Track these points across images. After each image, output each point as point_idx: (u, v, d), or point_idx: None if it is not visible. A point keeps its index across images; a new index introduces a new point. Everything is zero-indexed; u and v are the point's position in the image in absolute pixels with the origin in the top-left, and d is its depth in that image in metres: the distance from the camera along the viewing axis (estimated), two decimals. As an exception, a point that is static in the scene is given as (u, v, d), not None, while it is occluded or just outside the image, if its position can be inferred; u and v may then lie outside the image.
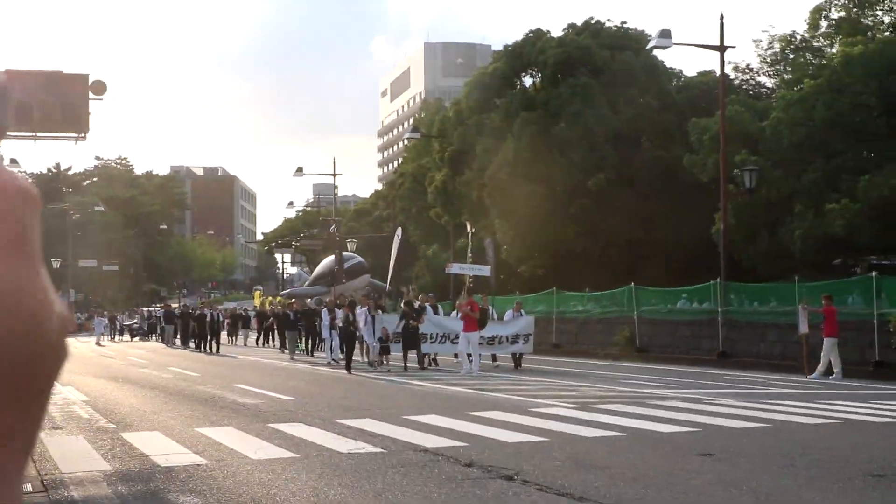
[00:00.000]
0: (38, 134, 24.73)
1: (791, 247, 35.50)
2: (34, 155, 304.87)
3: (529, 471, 9.91)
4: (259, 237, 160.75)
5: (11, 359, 0.61)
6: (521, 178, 46.76)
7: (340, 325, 28.47)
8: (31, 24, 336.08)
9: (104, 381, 24.30)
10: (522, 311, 30.67)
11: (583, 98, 46.93)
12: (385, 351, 27.84)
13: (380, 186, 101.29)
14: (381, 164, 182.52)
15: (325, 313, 32.10)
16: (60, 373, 0.68)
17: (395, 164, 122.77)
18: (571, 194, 46.25)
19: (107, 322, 61.90)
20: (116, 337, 63.47)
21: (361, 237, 70.60)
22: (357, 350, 29.27)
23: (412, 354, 27.43)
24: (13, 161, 79.29)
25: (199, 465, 10.71)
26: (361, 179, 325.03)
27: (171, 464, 10.79)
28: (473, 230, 48.56)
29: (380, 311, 29.55)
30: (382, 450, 11.48)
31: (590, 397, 17.90)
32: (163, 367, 30.46)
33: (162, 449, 11.94)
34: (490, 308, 29.60)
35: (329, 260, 60.12)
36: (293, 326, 36.31)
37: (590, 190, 45.45)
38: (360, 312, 28.02)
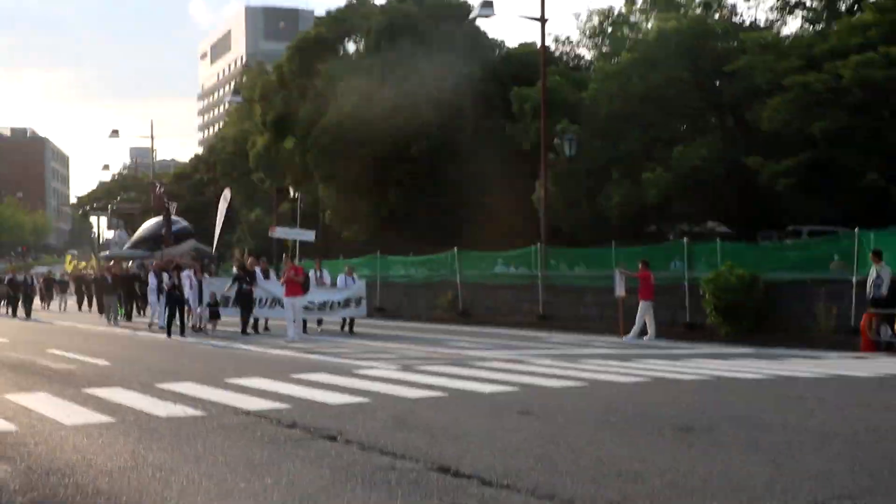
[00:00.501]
0: None
1: (608, 214, 36.64)
2: None
3: (352, 431, 9.94)
4: (73, 201, 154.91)
5: None
6: (346, 144, 46.62)
7: (167, 289, 27.78)
8: None
9: None
10: (354, 275, 30.53)
11: (407, 65, 47.01)
12: (214, 315, 27.29)
13: (200, 150, 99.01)
14: (202, 128, 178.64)
15: (151, 277, 31.33)
16: None
17: (217, 127, 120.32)
18: (396, 160, 46.37)
19: None
20: None
21: (182, 201, 68.95)
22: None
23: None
24: None
25: (7, 431, 10.29)
26: (181, 143, 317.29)
27: (-22, 432, 10.33)
28: (297, 195, 48.15)
29: (206, 275, 29.00)
30: (203, 413, 11.30)
31: (412, 359, 18.08)
32: (-32, 334, 29.10)
33: (-34, 417, 11.41)
34: (324, 272, 29.42)
35: (151, 223, 58.21)
36: (111, 291, 35.19)
37: (413, 156, 45.67)
38: (185, 276, 27.42)
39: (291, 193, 52.87)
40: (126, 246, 65.05)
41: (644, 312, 24.21)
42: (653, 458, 8.43)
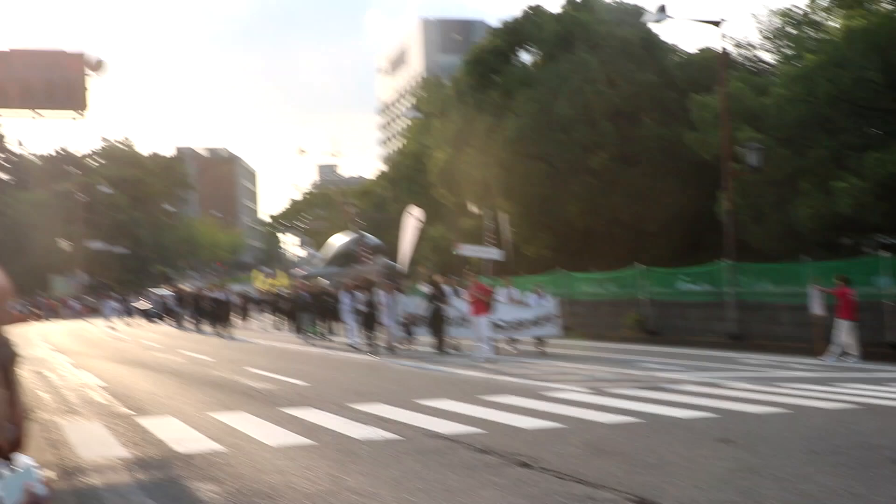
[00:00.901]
0: (39, 111, 24.76)
1: (798, 226, 35.36)
2: (40, 136, 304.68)
3: (547, 458, 9.88)
4: (260, 216, 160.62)
5: None
6: (523, 157, 46.55)
7: (361, 308, 27.84)
8: (33, 2, 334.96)
9: (119, 365, 24.33)
10: (546, 293, 29.48)
11: (583, 75, 46.61)
12: (409, 334, 27.09)
13: (382, 165, 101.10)
14: (383, 143, 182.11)
15: (344, 295, 31.33)
16: None
17: (397, 142, 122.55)
18: (573, 172, 46.08)
19: (115, 305, 61.68)
20: (129, 319, 62.90)
21: (366, 218, 70.47)
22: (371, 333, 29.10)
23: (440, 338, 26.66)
24: (20, 143, 79.23)
25: (216, 451, 10.71)
26: (363, 157, 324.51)
27: (188, 450, 10.78)
28: (479, 210, 48.33)
29: (398, 293, 28.79)
30: (398, 436, 11.46)
31: (603, 381, 17.87)
32: (175, 350, 30.49)
33: (178, 435, 11.94)
34: (514, 290, 28.82)
35: (344, 240, 58.80)
36: (308, 309, 35.46)
37: (592, 168, 45.25)
38: (380, 295, 27.46)
39: (471, 208, 53.17)
40: (318, 263, 66.00)
41: (844, 332, 22.96)
42: (868, 493, 8.04)
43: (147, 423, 13.16)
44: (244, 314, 52.01)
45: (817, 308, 23.87)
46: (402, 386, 17.61)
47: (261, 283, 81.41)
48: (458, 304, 26.96)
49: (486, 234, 37.49)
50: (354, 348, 29.10)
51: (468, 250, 35.41)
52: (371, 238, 53.50)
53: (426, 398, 15.03)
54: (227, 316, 41.24)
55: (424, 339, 27.78)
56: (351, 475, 9.23)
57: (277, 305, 48.83)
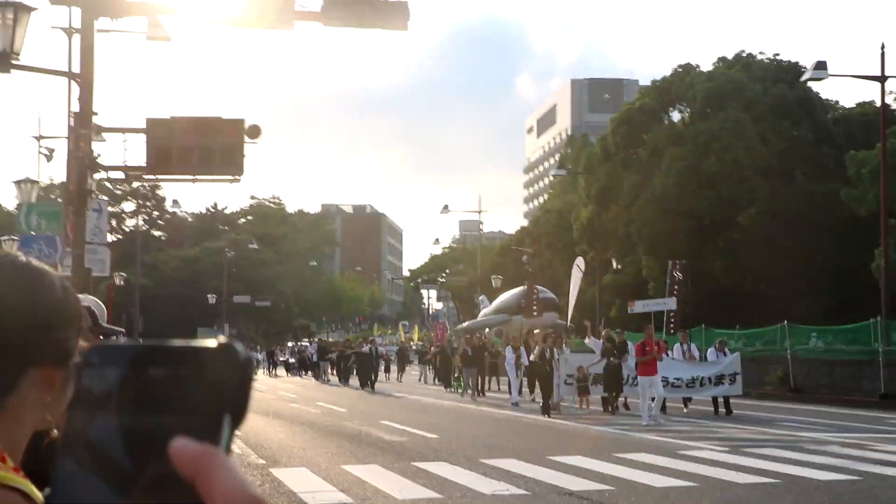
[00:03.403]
0: (198, 177, 25.58)
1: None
2: (193, 195, 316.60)
3: (678, 518, 9.59)
4: (405, 273, 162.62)
5: None
6: (669, 213, 46.08)
7: (534, 360, 26.02)
8: (194, 73, 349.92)
9: (255, 416, 24.75)
10: (727, 349, 27.25)
11: (733, 132, 46.03)
12: (584, 391, 25.31)
13: (525, 223, 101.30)
14: (527, 200, 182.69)
15: (509, 350, 30.06)
16: None
17: (541, 200, 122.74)
18: (720, 228, 45.29)
19: (257, 356, 62.96)
20: (273, 371, 63.96)
21: (507, 273, 70.55)
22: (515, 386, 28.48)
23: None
24: (175, 202, 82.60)
25: (344, 503, 10.74)
26: (506, 216, 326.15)
27: (318, 502, 10.85)
28: (619, 266, 47.84)
29: (566, 349, 27.16)
30: (527, 492, 11.31)
31: (741, 440, 17.29)
32: (311, 401, 30.93)
33: (309, 486, 12.04)
34: (692, 346, 26.95)
35: (512, 293, 57.07)
36: (472, 363, 33.16)
37: (739, 224, 44.42)
38: (552, 350, 25.53)
39: (614, 265, 52.67)
40: (483, 313, 63.92)
41: None
42: None
43: (279, 473, 13.33)
44: (400, 367, 51.67)
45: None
46: (533, 441, 17.39)
47: (404, 335, 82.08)
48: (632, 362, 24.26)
49: (672, 287, 36.19)
50: (515, 406, 27.69)
51: (640, 306, 33.93)
52: (545, 290, 51.59)
53: (558, 454, 14.81)
54: (373, 369, 40.05)
55: (595, 397, 25.74)
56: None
57: (425, 359, 47.91)
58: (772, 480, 12.08)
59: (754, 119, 46.55)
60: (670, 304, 31.94)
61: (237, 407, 0.67)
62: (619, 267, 51.86)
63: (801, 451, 15.39)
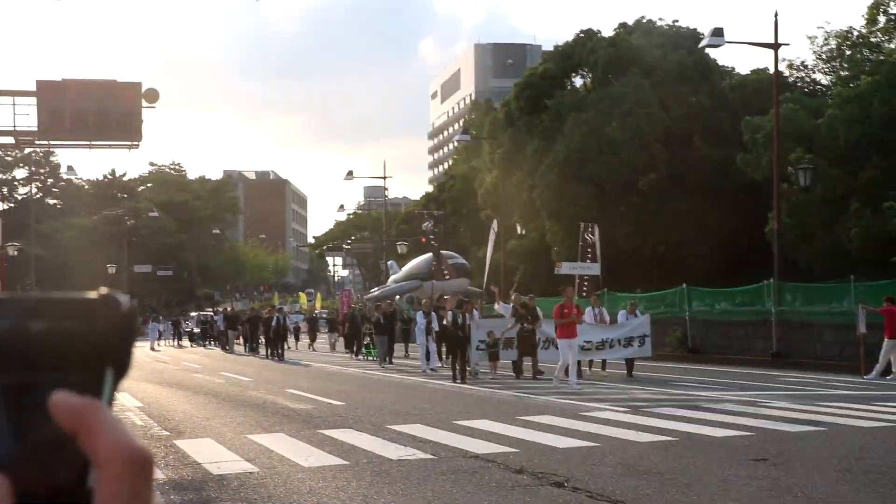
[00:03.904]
0: (94, 143, 25.01)
1: (848, 246, 34.99)
2: (89, 162, 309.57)
3: (580, 477, 9.84)
4: (310, 240, 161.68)
5: None
6: (572, 179, 46.60)
7: (445, 326, 25.57)
8: (85, 34, 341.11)
9: (158, 387, 24.54)
10: (638, 311, 27.43)
11: (634, 98, 46.68)
12: (494, 357, 25.11)
13: (430, 188, 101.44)
14: (432, 166, 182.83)
15: (420, 316, 29.67)
16: None
17: (446, 165, 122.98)
18: (622, 194, 46.00)
19: (161, 327, 62.10)
20: (174, 342, 63.11)
21: (412, 239, 70.72)
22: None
23: (527, 362, 24.46)
24: (70, 168, 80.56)
25: (250, 472, 10.76)
26: (411, 182, 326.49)
27: (223, 472, 10.84)
28: (523, 231, 48.24)
29: (476, 314, 26.87)
30: (433, 456, 11.45)
31: (641, 401, 17.75)
32: (215, 371, 30.72)
33: (214, 456, 12.01)
34: (603, 310, 26.92)
35: (422, 259, 56.13)
36: (383, 331, 33.04)
37: (640, 189, 45.17)
38: (465, 316, 25.15)
39: (519, 230, 53.15)
40: (393, 279, 62.66)
41: (889, 350, 22.80)
42: (901, 514, 7.91)
43: (184, 444, 13.26)
44: (311, 336, 51.30)
45: (863, 327, 23.65)
46: (439, 406, 17.59)
47: (305, 302, 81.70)
48: (546, 326, 24.19)
49: (586, 251, 36.13)
50: (433, 371, 27.44)
51: (567, 268, 33.65)
52: (455, 256, 50.92)
53: (464, 419, 15.01)
54: (282, 338, 39.75)
55: (506, 362, 25.58)
56: (383, 495, 9.25)
57: (334, 327, 47.40)
58: (670, 438, 12.45)
59: (654, 85, 47.24)
60: (595, 268, 32.00)
61: (119, 359, 0.68)
62: (524, 232, 52.38)
63: (698, 409, 15.87)
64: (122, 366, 0.68)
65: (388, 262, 66.79)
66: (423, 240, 46.81)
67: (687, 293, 33.67)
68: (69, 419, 0.64)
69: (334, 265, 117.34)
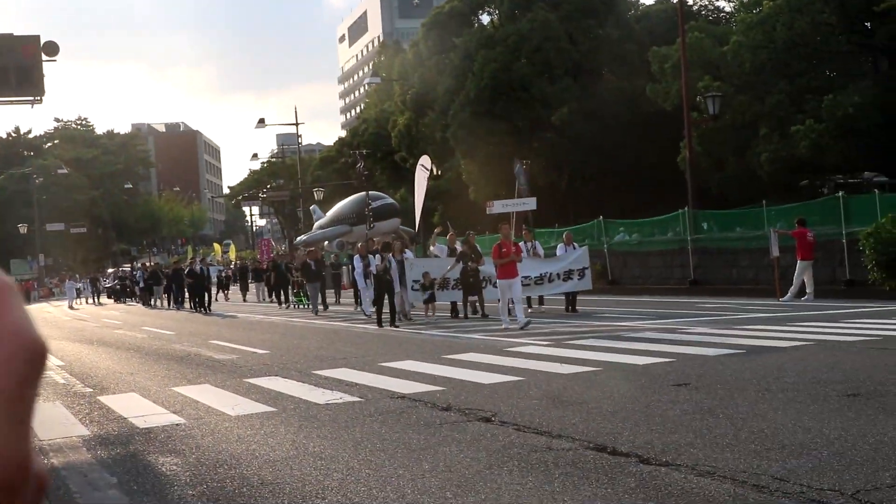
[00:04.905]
0: (-7, 99, 24.29)
1: (758, 171, 35.61)
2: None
3: (507, 411, 9.95)
4: (225, 191, 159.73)
5: None
6: (484, 117, 46.59)
7: (374, 272, 24.44)
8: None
9: (79, 345, 24.18)
10: (575, 243, 26.34)
11: (541, 32, 46.67)
12: (431, 299, 24.44)
13: (343, 133, 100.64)
14: (344, 111, 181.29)
15: (357, 260, 28.60)
16: None
17: (358, 109, 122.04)
18: (534, 129, 46.15)
19: (79, 286, 60.98)
20: (92, 300, 61.95)
21: (329, 185, 70.25)
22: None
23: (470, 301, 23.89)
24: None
25: (177, 424, 10.68)
26: (324, 128, 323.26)
27: (150, 425, 10.75)
28: (439, 172, 48.01)
29: (410, 254, 26.24)
30: (360, 399, 11.48)
31: (563, 334, 17.97)
32: (136, 327, 30.34)
33: (139, 410, 11.90)
34: (536, 243, 26.25)
35: (349, 201, 53.94)
36: (315, 278, 31.97)
37: (553, 124, 45.34)
38: (393, 258, 24.48)
39: (434, 171, 53.02)
40: (318, 225, 61.00)
41: (802, 272, 23.34)
42: (818, 427, 8.16)
43: (108, 400, 13.11)
44: (242, 287, 49.99)
45: (775, 250, 24.17)
46: (364, 349, 17.61)
47: (221, 254, 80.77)
48: (489, 266, 22.84)
49: (518, 187, 35.05)
50: (369, 317, 26.29)
51: (500, 206, 32.42)
52: (383, 197, 49.74)
53: (389, 360, 15.06)
54: (206, 291, 38.82)
55: (443, 304, 25.17)
56: (312, 440, 9.26)
57: (259, 277, 46.42)
58: (593, 369, 12.64)
59: (561, 19, 47.25)
60: (531, 203, 30.76)
61: None
62: (439, 172, 52.30)
63: (620, 339, 16.14)
64: None
65: (311, 208, 65.70)
66: (361, 177, 45.09)
67: (604, 225, 34.04)
68: None
69: (251, 215, 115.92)
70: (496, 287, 22.21)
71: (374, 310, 26.94)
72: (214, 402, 12.03)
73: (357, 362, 15.23)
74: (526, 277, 22.92)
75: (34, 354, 0.65)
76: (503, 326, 19.80)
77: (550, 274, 24.56)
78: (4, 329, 0.65)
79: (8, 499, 0.62)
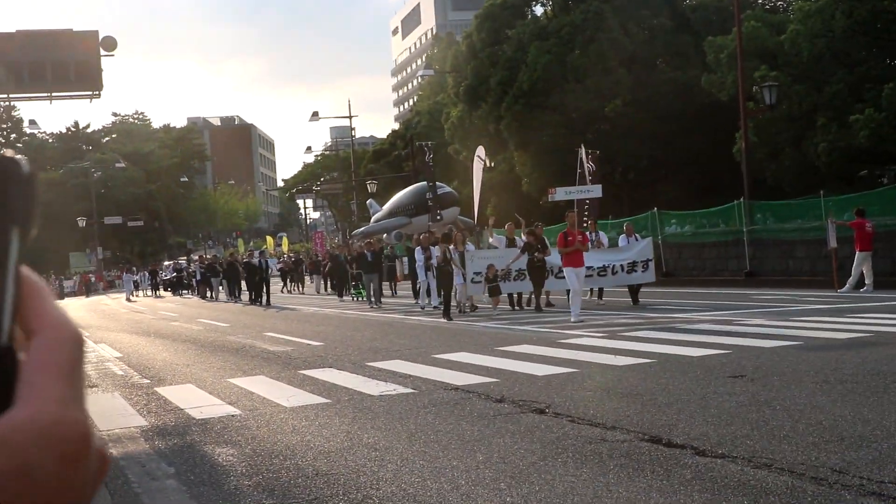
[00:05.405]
0: (54, 94, 24.60)
1: (816, 161, 35.14)
2: (51, 115, 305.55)
3: (560, 403, 9.92)
4: (279, 184, 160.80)
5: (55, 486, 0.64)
6: (537, 109, 46.46)
7: (436, 264, 24.22)
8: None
9: (136, 337, 24.50)
10: (637, 234, 25.82)
11: (595, 23, 46.43)
12: (495, 291, 23.63)
13: (397, 126, 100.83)
14: (397, 104, 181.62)
15: (418, 252, 28.04)
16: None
17: (411, 102, 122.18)
18: (588, 121, 45.91)
19: (136, 278, 61.67)
20: (156, 291, 62.36)
21: (382, 178, 70.48)
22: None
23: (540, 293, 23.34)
24: (32, 122, 79.56)
25: (233, 415, 10.78)
26: (378, 120, 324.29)
27: (206, 416, 10.86)
28: (492, 164, 47.82)
29: (470, 245, 25.77)
30: (413, 390, 11.51)
31: (618, 326, 17.87)
32: (192, 319, 30.66)
33: (196, 401, 12.03)
34: (601, 234, 26.05)
35: (407, 192, 54.01)
36: (373, 269, 31.47)
37: (606, 115, 45.10)
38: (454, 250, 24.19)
39: (487, 163, 52.90)
40: (375, 218, 59.42)
41: (861, 263, 22.95)
42: (878, 419, 8.04)
43: (165, 391, 13.28)
44: (298, 279, 49.90)
45: (833, 241, 23.78)
46: (417, 341, 17.65)
47: (273, 247, 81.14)
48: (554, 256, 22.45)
49: (587, 174, 34.41)
50: (435, 308, 25.61)
51: (562, 194, 31.66)
52: (442, 186, 47.82)
53: (443, 352, 15.09)
54: (265, 282, 37.89)
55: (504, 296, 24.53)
56: (366, 431, 9.29)
57: (317, 269, 46.29)
58: (648, 361, 12.56)
59: (615, 10, 46.97)
60: (596, 191, 30.26)
61: (24, 219, 0.68)
62: (493, 164, 52.21)
63: (674, 331, 16.01)
64: (26, 225, 0.68)
65: (368, 202, 65.82)
66: (429, 168, 44.57)
67: (658, 217, 33.76)
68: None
69: (305, 208, 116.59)
70: (558, 278, 22.04)
71: (428, 301, 27.08)
72: (269, 394, 12.13)
73: (411, 354, 15.26)
74: (589, 268, 22.26)
75: (76, 341, 0.69)
76: (573, 320, 19.03)
77: (614, 265, 24.10)
78: (48, 319, 0.68)
79: (71, 469, 0.64)
